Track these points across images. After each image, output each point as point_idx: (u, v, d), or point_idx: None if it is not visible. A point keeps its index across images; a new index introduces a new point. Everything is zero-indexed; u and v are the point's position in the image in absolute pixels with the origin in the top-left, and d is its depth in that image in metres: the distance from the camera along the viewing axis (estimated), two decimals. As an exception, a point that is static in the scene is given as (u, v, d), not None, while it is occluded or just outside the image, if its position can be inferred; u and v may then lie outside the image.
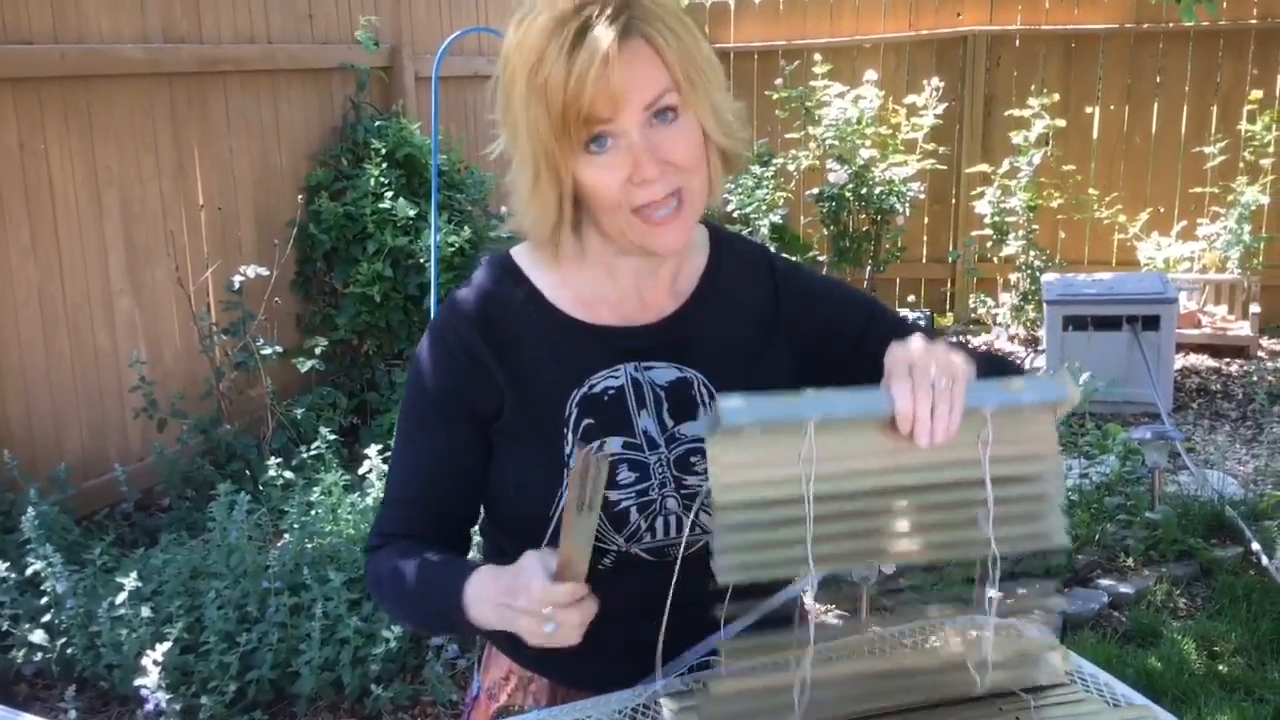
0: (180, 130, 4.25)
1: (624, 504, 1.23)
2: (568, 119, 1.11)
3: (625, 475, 1.23)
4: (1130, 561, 3.68)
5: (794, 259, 1.42)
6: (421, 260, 4.62)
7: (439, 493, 1.28)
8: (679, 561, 1.18)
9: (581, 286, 1.28)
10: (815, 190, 6.31)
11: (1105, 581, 3.60)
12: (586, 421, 1.23)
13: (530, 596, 1.08)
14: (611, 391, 1.24)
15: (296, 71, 4.81)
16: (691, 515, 1.25)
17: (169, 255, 4.19)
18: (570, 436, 1.23)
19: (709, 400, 1.25)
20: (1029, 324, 6.35)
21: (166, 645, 2.75)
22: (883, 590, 3.80)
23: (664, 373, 1.26)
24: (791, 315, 1.32)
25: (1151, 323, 5.14)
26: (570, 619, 1.08)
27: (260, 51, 4.61)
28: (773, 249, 1.44)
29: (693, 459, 1.24)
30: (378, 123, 4.98)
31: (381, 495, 1.37)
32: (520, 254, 1.31)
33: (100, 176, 3.93)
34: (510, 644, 1.38)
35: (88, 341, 3.93)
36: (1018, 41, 6.73)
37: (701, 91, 1.16)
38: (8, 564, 2.99)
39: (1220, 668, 3.12)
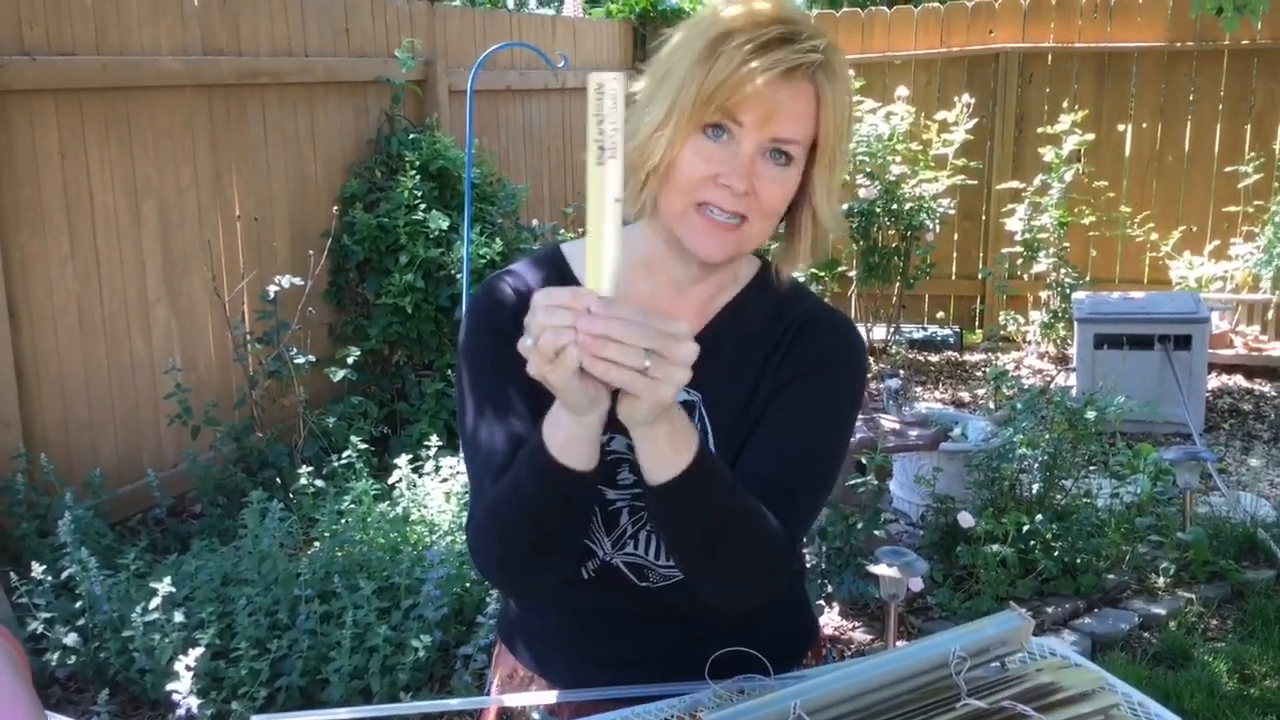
0: (218, 141, 4.31)
1: (618, 504, 1.27)
2: (713, 99, 1.13)
3: (625, 476, 1.25)
4: (1161, 582, 3.66)
5: (846, 344, 1.33)
6: (453, 272, 4.66)
7: (524, 440, 1.22)
8: (659, 589, 1.20)
9: (622, 284, 1.29)
10: (845, 205, 6.31)
11: (1136, 602, 3.59)
12: None
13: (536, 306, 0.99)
14: None
15: (333, 84, 4.86)
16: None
17: (205, 265, 4.24)
18: None
19: (705, 428, 1.26)
20: (1059, 342, 6.33)
21: (198, 651, 2.78)
22: (910, 609, 3.78)
23: None
24: (783, 367, 1.29)
25: (1183, 342, 5.12)
26: (594, 327, 0.95)
27: (297, 64, 4.66)
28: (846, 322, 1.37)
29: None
30: (411, 135, 5.02)
31: (465, 496, 1.29)
32: (571, 249, 1.34)
33: (139, 186, 3.99)
34: (512, 643, 1.43)
35: (124, 349, 3.98)
36: (1050, 59, 6.72)
37: (827, 166, 1.19)
38: (44, 567, 3.03)
39: (1252, 691, 3.10)
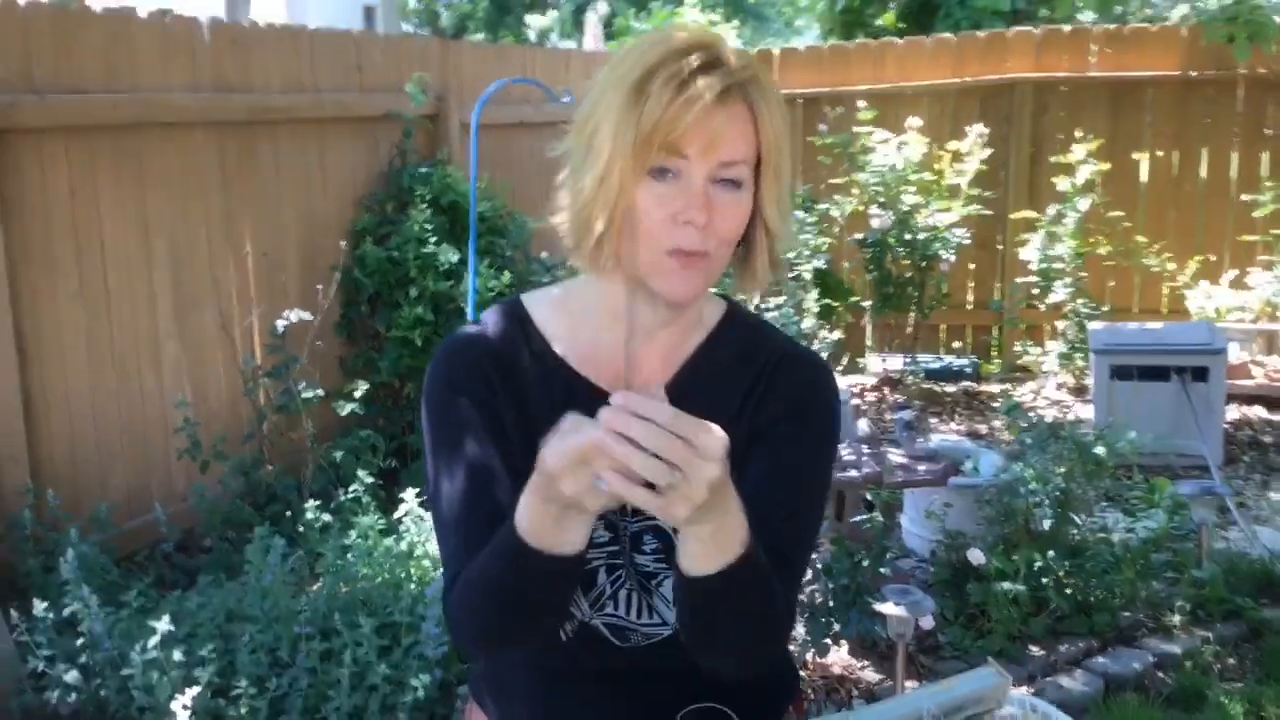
0: (229, 177, 4.33)
1: (595, 563, 1.25)
2: (653, 139, 1.12)
3: (600, 534, 1.24)
4: (1176, 621, 3.59)
5: (823, 387, 1.31)
6: (463, 305, 4.66)
7: (505, 500, 1.17)
8: (640, 649, 1.18)
9: (587, 336, 1.28)
10: (859, 235, 6.30)
11: (1151, 641, 3.52)
12: None
13: (552, 450, 0.96)
14: None
15: (345, 120, 4.89)
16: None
17: (216, 300, 4.26)
18: None
19: None
20: (1077, 373, 6.27)
21: (195, 690, 2.76)
22: (921, 648, 3.73)
23: None
24: (758, 418, 1.27)
25: (1200, 374, 5.06)
26: (616, 453, 0.91)
27: (309, 100, 4.70)
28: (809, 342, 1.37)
29: (645, 537, 1.24)
30: (423, 169, 5.04)
31: (439, 553, 1.23)
32: (532, 301, 1.32)
33: (150, 223, 4.01)
34: (481, 700, 1.40)
35: (134, 384, 4.00)
36: (1064, 88, 6.70)
37: (773, 179, 1.20)
38: (45, 604, 3.03)
39: (1268, 733, 3.03)
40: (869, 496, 3.50)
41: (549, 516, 1.02)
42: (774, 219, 1.21)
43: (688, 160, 1.14)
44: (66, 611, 3.05)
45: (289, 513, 4.06)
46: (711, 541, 1.02)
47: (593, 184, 1.16)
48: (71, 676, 2.96)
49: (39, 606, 3.02)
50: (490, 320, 1.31)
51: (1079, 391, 6.17)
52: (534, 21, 25.28)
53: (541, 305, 1.31)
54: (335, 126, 4.84)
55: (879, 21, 10.80)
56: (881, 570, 3.28)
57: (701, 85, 1.12)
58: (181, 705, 2.70)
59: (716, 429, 0.94)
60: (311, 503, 3.77)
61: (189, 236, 4.18)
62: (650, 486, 0.91)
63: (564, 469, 0.95)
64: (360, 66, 4.98)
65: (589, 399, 1.24)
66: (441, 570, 1.23)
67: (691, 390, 1.25)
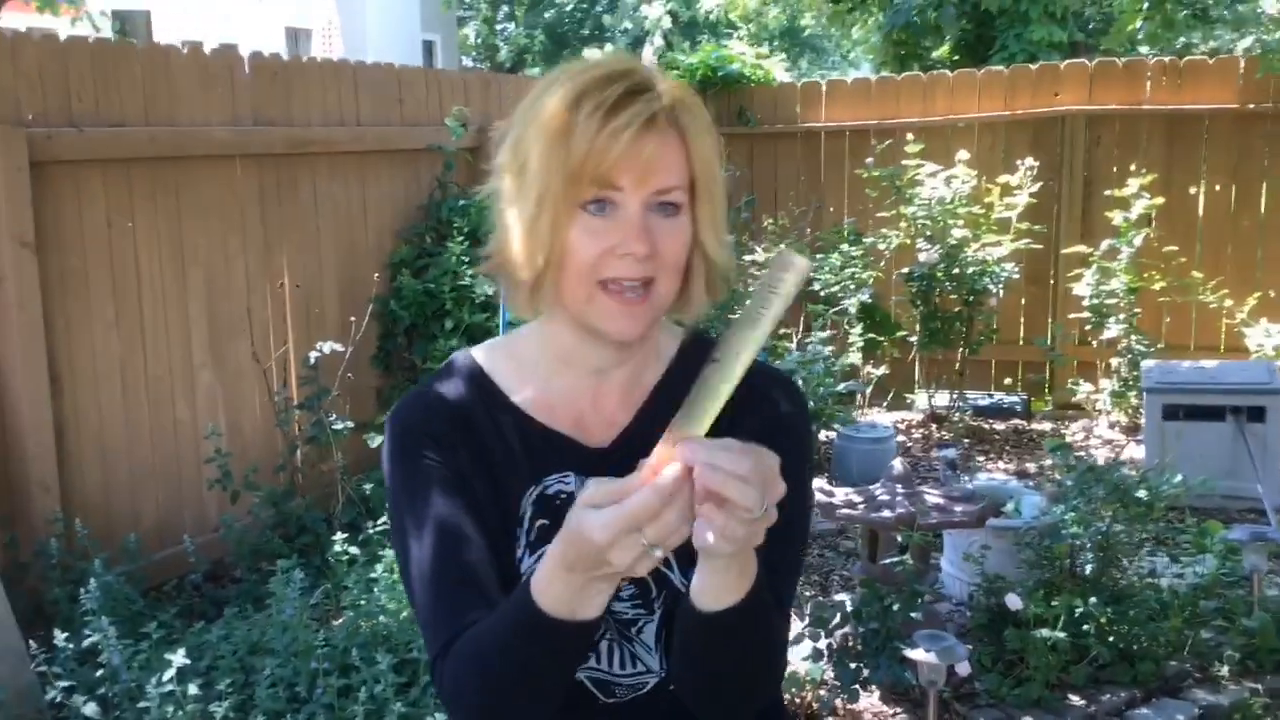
0: (267, 209, 4.37)
1: None
2: (583, 173, 1.09)
3: None
4: (1225, 671, 3.44)
5: (796, 409, 1.28)
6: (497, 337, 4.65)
7: (478, 559, 1.16)
8: (625, 703, 1.14)
9: (539, 383, 1.24)
10: (905, 269, 6.20)
11: (1197, 693, 3.38)
12: (541, 522, 1.19)
13: (598, 524, 0.92)
14: (564, 495, 1.20)
15: (385, 152, 4.92)
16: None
17: (251, 331, 4.28)
18: (523, 538, 1.19)
19: None
20: (1130, 411, 6.10)
21: (209, 724, 2.74)
22: (956, 695, 3.61)
23: None
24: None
25: (1257, 414, 4.89)
26: (670, 523, 0.91)
27: (349, 134, 4.73)
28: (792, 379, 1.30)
29: (621, 584, 1.17)
30: (461, 202, 5.05)
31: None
32: (481, 353, 1.29)
33: (186, 254, 4.05)
34: None
35: (167, 414, 4.02)
36: (1117, 122, 6.56)
37: (708, 202, 1.16)
38: (66, 635, 3.03)
39: (1319, 794, 2.89)
40: (899, 539, 3.40)
41: (574, 586, 0.99)
42: (711, 244, 1.17)
43: (622, 191, 1.11)
44: (86, 642, 3.05)
45: (319, 544, 4.05)
46: (738, 573, 1.01)
47: (526, 223, 1.13)
48: (90, 709, 2.95)
49: (59, 637, 3.02)
50: (442, 377, 1.27)
51: (1132, 430, 6.00)
52: (590, 55, 25.49)
53: (492, 356, 1.27)
54: (376, 159, 4.87)
55: (934, 54, 10.72)
56: (912, 615, 3.18)
57: (628, 114, 1.08)
58: (192, 740, 2.67)
59: (765, 449, 0.93)
60: (340, 535, 3.75)
61: (226, 267, 4.21)
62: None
63: (614, 540, 0.92)
64: (402, 100, 5.01)
65: (548, 446, 1.22)
66: (425, 641, 1.17)
67: (655, 426, 1.20)
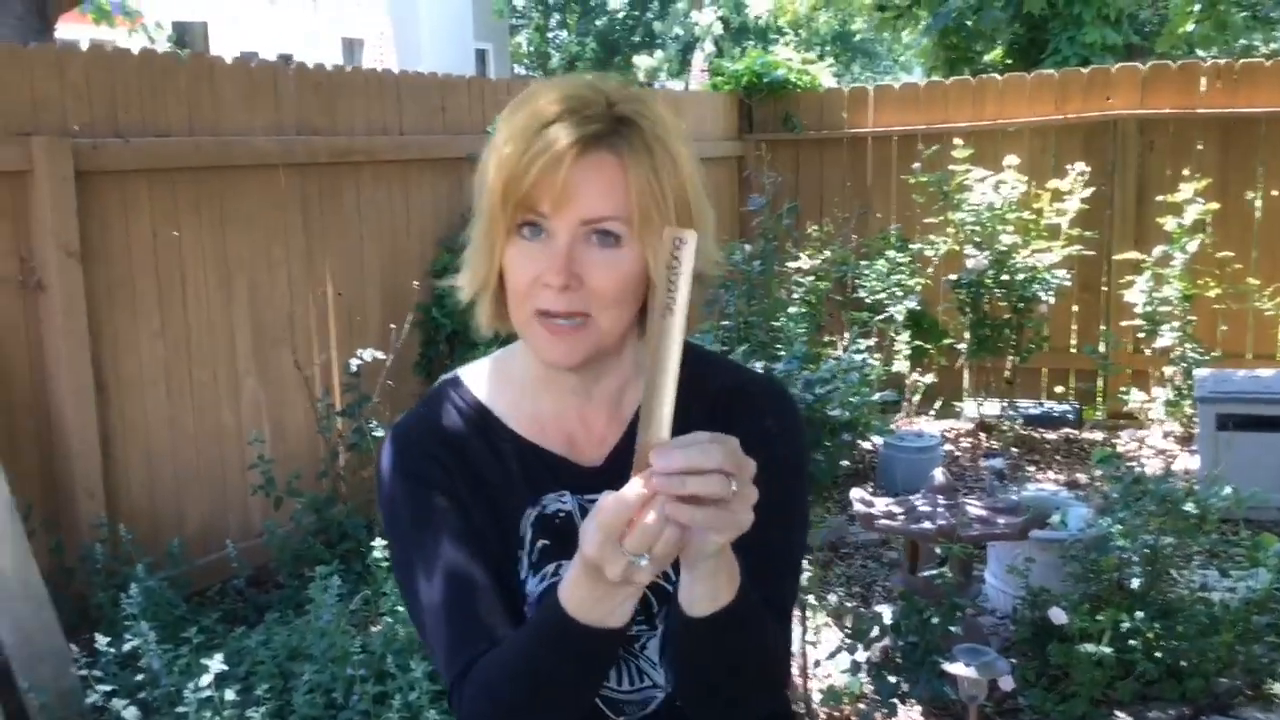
0: (311, 218, 4.41)
1: None
2: (507, 195, 1.08)
3: None
4: (1278, 688, 3.35)
5: (781, 417, 1.25)
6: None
7: (488, 582, 1.15)
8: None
9: (529, 404, 1.23)
10: (953, 276, 6.13)
11: (1249, 710, 3.30)
12: (542, 542, 1.18)
13: (597, 524, 0.92)
14: (562, 515, 1.19)
15: (427, 161, 4.95)
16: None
17: (294, 339, 4.32)
18: (525, 560, 1.18)
19: None
20: (1184, 421, 5.98)
21: (245, 730, 2.76)
22: (999, 710, 3.55)
23: None
24: None
25: (1315, 424, 4.77)
26: (650, 528, 0.90)
27: (392, 143, 4.76)
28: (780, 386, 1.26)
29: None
30: (504, 209, 5.06)
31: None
32: (469, 374, 1.28)
33: (230, 263, 4.10)
34: None
35: (212, 420, 4.06)
36: (1171, 125, 6.44)
37: (657, 233, 1.07)
38: (108, 639, 3.07)
39: (1375, 818, 2.79)
40: (937, 550, 3.35)
41: (596, 594, 0.99)
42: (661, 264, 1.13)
43: (547, 218, 1.08)
44: (128, 646, 3.08)
45: (361, 550, 4.07)
46: (726, 575, 1.00)
47: (475, 240, 1.14)
48: (130, 713, 2.98)
49: (101, 641, 3.06)
50: (432, 402, 1.26)
51: (1186, 440, 5.88)
52: (641, 61, 25.56)
53: (479, 379, 1.26)
54: (418, 167, 4.90)
55: (986, 58, 10.60)
56: (952, 629, 3.13)
57: (550, 137, 1.06)
58: (228, 746, 2.69)
59: (731, 439, 0.93)
60: (380, 541, 3.77)
61: (269, 276, 4.25)
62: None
63: (600, 553, 0.92)
64: (444, 108, 5.04)
65: (543, 466, 1.21)
66: (438, 665, 1.16)
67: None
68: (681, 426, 1.15)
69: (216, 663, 2.90)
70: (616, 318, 1.12)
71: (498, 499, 1.19)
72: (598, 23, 28.42)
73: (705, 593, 1.00)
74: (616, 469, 1.16)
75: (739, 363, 1.29)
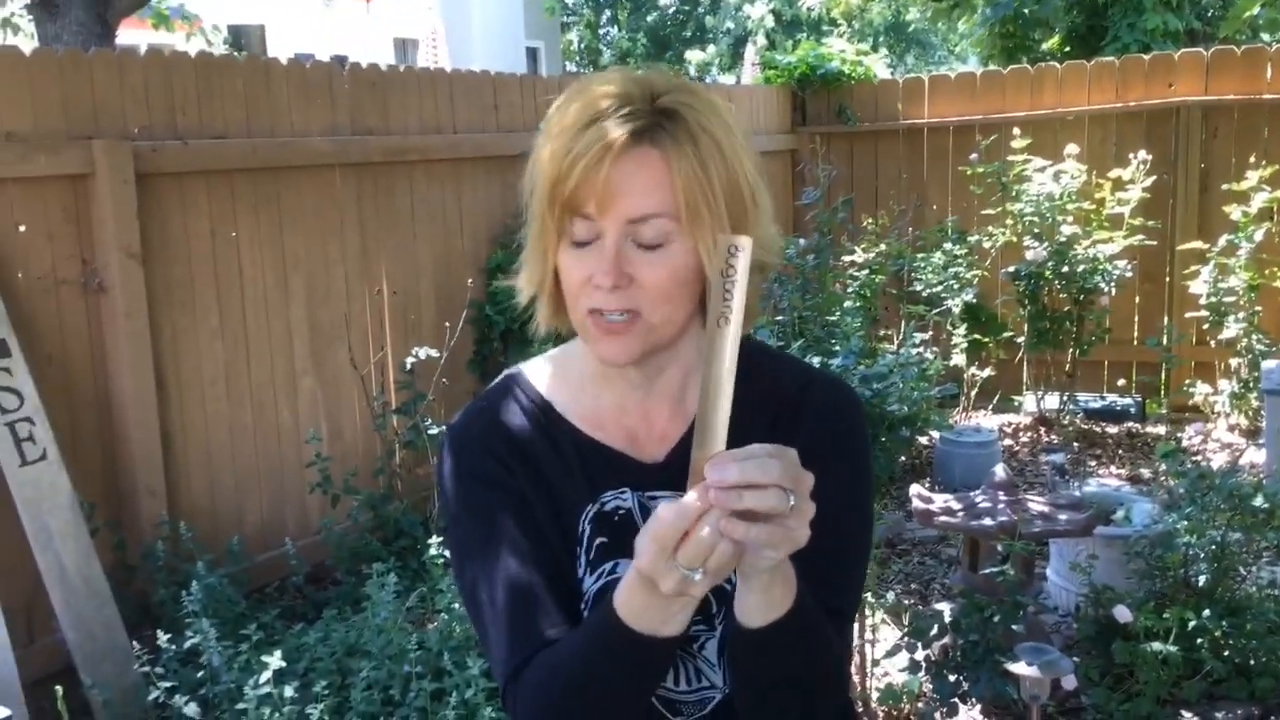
0: (365, 217, 4.43)
1: None
2: (554, 197, 1.07)
3: None
4: (1352, 689, 3.26)
5: (847, 406, 1.21)
6: (592, 342, 4.65)
7: (545, 580, 1.14)
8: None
9: (590, 399, 1.22)
10: (1012, 268, 6.03)
11: (1323, 711, 3.21)
12: (600, 540, 1.16)
13: (651, 536, 0.91)
14: (621, 511, 1.17)
15: (480, 159, 4.96)
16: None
17: (349, 337, 4.35)
18: (583, 558, 1.16)
19: None
20: (1250, 414, 5.84)
21: (304, 727, 2.78)
22: (1061, 709, 3.49)
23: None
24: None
25: (1389, 416, 4.63)
26: (704, 541, 0.88)
27: (445, 141, 4.78)
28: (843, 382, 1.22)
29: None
30: (556, 206, 5.06)
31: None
32: (531, 369, 1.27)
33: (288, 262, 4.13)
34: None
35: (270, 419, 4.10)
36: (1235, 112, 6.29)
37: (708, 226, 1.06)
38: (168, 636, 3.11)
39: None
40: (999, 548, 3.30)
41: (653, 604, 0.97)
42: (712, 270, 1.06)
43: (594, 220, 1.06)
44: (188, 643, 3.12)
45: (418, 548, 4.10)
46: (782, 587, 0.99)
47: (530, 242, 1.13)
48: (191, 709, 3.02)
49: (163, 638, 3.10)
50: (494, 397, 1.25)
51: (1253, 434, 5.74)
52: (693, 56, 25.49)
53: (540, 374, 1.25)
54: (471, 165, 4.91)
55: (1044, 46, 10.43)
56: (1014, 627, 3.08)
57: (591, 137, 1.04)
58: (287, 742, 2.71)
59: (789, 451, 0.91)
60: (435, 539, 3.78)
61: (325, 275, 4.28)
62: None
63: (653, 566, 0.91)
64: (497, 106, 5.04)
65: (603, 462, 1.19)
66: (492, 664, 1.15)
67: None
68: (746, 425, 1.11)
69: (276, 659, 2.92)
70: (669, 314, 1.10)
71: (558, 495, 1.18)
72: (649, 18, 28.37)
73: (760, 604, 0.99)
74: (678, 465, 1.13)
75: (804, 360, 1.27)
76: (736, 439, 1.15)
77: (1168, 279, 6.48)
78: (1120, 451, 5.92)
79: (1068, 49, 9.91)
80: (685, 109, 1.07)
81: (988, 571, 3.28)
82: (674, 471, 1.13)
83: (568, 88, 1.14)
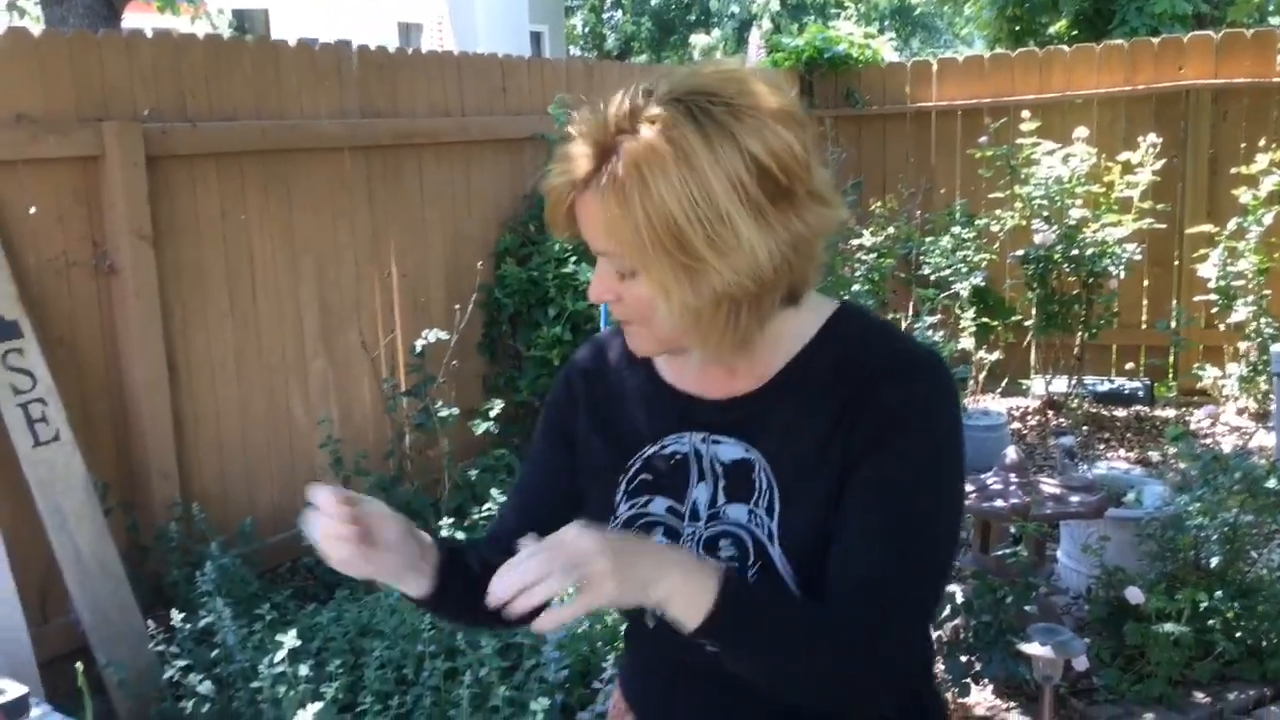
0: (375, 200, 4.43)
1: None
2: (553, 225, 1.18)
3: (660, 540, 1.21)
4: (1364, 670, 3.27)
5: (926, 393, 1.18)
6: (600, 325, 4.65)
7: (534, 503, 1.36)
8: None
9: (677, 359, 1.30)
10: (1020, 251, 6.02)
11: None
12: (644, 476, 1.24)
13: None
14: (678, 456, 1.23)
15: (489, 142, 4.94)
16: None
17: (361, 320, 4.35)
18: (624, 485, 1.25)
19: (769, 486, 1.17)
20: (1259, 397, 5.84)
21: (318, 706, 2.79)
22: (1073, 690, 3.49)
23: (730, 449, 1.20)
24: (854, 436, 1.15)
25: (1399, 399, 4.63)
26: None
27: (454, 124, 4.76)
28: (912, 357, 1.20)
29: (721, 541, 1.17)
30: (565, 189, 5.05)
31: None
32: None
33: (297, 245, 4.13)
34: (620, 675, 1.43)
35: (281, 401, 4.11)
36: (1245, 95, 6.26)
37: (654, 261, 1.08)
38: (183, 615, 3.12)
39: None
40: (1012, 530, 3.30)
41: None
42: (660, 309, 1.11)
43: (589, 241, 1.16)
44: (203, 623, 3.13)
45: (426, 530, 4.10)
46: (682, 598, 1.04)
47: None
48: (205, 687, 3.03)
49: (177, 618, 3.11)
50: (611, 331, 1.36)
51: (1262, 417, 5.74)
52: (697, 40, 25.41)
53: None
54: (480, 148, 4.90)
55: (1051, 30, 10.39)
56: (1026, 608, 3.08)
57: (557, 175, 1.13)
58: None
59: (563, 533, 1.03)
60: (446, 520, 3.79)
61: (335, 257, 4.28)
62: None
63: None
64: (505, 89, 5.03)
65: (666, 401, 1.27)
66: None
67: (776, 405, 1.19)
68: (824, 389, 1.17)
69: (291, 638, 2.93)
70: (670, 325, 1.13)
71: (624, 431, 1.28)
72: (653, 2, 28.28)
73: (678, 616, 1.05)
74: (742, 403, 1.21)
75: (900, 331, 1.27)
76: (814, 400, 1.17)
77: (1176, 262, 6.47)
78: (1128, 435, 5.92)
79: (1074, 32, 9.87)
80: (630, 145, 1.07)
81: (999, 553, 3.29)
82: (740, 409, 1.21)
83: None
